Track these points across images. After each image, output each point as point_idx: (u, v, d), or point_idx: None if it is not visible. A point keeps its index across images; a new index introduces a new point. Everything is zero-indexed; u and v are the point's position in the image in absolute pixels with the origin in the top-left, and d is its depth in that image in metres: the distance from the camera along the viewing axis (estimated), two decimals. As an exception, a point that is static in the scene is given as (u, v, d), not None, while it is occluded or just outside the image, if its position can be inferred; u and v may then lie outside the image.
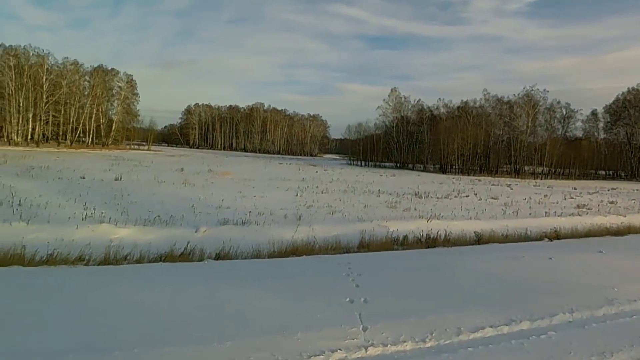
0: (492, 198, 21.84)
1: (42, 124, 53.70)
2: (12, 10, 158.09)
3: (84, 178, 17.85)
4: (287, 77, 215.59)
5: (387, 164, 69.79)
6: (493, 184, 34.03)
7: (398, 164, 68.56)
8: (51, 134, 57.38)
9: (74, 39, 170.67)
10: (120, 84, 67.67)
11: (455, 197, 21.54)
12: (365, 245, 9.95)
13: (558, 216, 16.28)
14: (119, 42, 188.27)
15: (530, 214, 16.52)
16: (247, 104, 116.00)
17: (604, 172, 64.48)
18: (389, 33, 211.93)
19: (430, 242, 10.38)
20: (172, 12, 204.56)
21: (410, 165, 66.95)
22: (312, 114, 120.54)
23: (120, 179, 18.46)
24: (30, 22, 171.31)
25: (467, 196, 22.29)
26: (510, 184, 35.10)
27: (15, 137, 50.35)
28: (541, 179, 50.86)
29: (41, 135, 54.47)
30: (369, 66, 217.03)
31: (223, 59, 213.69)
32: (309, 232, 11.23)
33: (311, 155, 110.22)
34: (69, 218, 10.09)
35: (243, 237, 10.19)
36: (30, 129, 52.28)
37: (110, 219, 10.43)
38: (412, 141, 68.13)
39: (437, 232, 10.94)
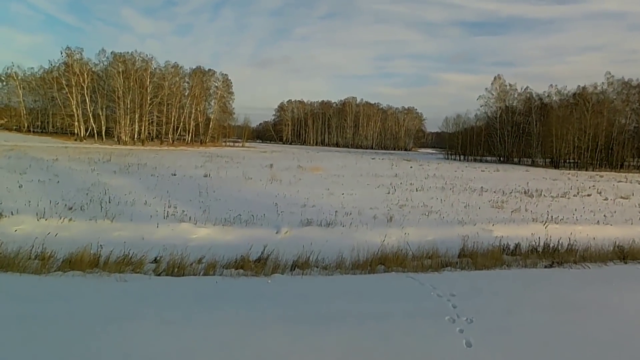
0: (622, 198, 18.48)
1: (147, 123, 58.20)
2: (124, 22, 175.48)
3: (174, 175, 18.25)
4: (380, 69, 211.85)
5: (489, 159, 64.86)
6: (620, 181, 29.40)
7: (501, 158, 63.24)
8: (156, 133, 61.97)
9: (178, 44, 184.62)
10: (216, 84, 71.11)
11: (574, 196, 18.57)
12: (468, 255, 8.37)
13: None
14: (218, 45, 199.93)
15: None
16: (339, 99, 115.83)
17: None
18: (489, 18, 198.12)
19: (549, 253, 8.47)
20: (267, 12, 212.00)
21: (515, 160, 61.32)
22: (406, 106, 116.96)
23: (209, 175, 18.60)
24: (140, 31, 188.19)
25: (589, 195, 19.13)
26: (640, 181, 30.10)
27: (124, 136, 55.17)
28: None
29: (146, 134, 59.07)
30: (467, 54, 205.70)
31: (316, 54, 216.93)
32: (400, 236, 9.92)
33: (405, 150, 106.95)
34: (151, 216, 9.88)
35: (326, 241, 9.21)
36: (137, 129, 56.94)
37: (191, 217, 10.07)
38: (518, 133, 62.32)
39: (559, 241, 8.95)
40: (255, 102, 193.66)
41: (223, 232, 9.36)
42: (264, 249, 7.50)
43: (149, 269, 6.78)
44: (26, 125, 61.83)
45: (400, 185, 20.01)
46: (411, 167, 36.19)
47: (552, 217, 12.23)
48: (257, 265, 7.18)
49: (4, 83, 64.63)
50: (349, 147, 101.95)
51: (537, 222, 11.54)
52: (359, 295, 5.16)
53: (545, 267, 7.08)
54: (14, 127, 62.01)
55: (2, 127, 61.40)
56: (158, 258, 7.32)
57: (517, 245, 8.71)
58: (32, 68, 67.87)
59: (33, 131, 61.21)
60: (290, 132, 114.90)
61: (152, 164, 24.13)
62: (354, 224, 10.46)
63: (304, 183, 18.36)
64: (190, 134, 65.71)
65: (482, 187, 20.26)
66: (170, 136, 62.17)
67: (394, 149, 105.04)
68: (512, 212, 13.28)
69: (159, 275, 6.40)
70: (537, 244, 8.78)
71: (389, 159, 49.72)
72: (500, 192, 18.48)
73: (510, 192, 18.59)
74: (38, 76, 63.20)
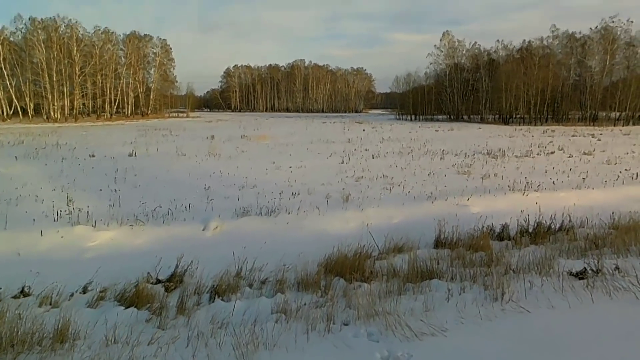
0: (585, 154, 17.58)
1: (78, 97, 52.44)
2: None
3: (93, 156, 15.40)
4: (329, 30, 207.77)
5: (439, 117, 64.50)
6: (573, 135, 29.06)
7: (452, 116, 62.96)
8: (92, 107, 56.47)
9: (115, 10, 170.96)
10: (154, 50, 65.45)
11: (537, 155, 17.48)
12: (447, 244, 6.65)
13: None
14: (159, 10, 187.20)
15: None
16: (287, 62, 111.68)
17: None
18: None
19: (542, 233, 6.89)
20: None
21: (465, 117, 61.18)
22: (355, 67, 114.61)
23: (134, 154, 15.90)
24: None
25: (552, 153, 18.14)
26: (593, 134, 29.95)
27: (54, 113, 49.35)
28: (622, 125, 44.29)
29: (79, 110, 53.44)
30: (415, 12, 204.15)
31: (263, 17, 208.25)
32: (361, 220, 8.10)
33: (356, 112, 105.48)
34: (34, 220, 7.41)
35: (268, 235, 7.23)
36: (67, 104, 51.06)
37: (94, 215, 7.71)
38: (467, 90, 61.98)
39: (552, 216, 7.39)
40: (201, 69, 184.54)
41: (132, 235, 7.12)
42: (178, 263, 5.37)
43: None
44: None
45: (355, 152, 18.18)
46: (364, 130, 34.50)
47: (527, 182, 10.79)
48: (168, 286, 5.10)
49: None
50: (299, 112, 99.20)
51: (514, 190, 10.05)
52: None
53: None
54: None
55: None
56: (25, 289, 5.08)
57: (505, 227, 7.06)
58: None
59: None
60: (238, 99, 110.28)
61: (74, 143, 20.86)
62: (303, 208, 8.49)
63: (247, 156, 16.09)
64: (129, 107, 60.43)
65: (441, 150, 18.80)
66: (107, 110, 56.83)
67: (345, 112, 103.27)
68: (482, 178, 11.77)
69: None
70: (526, 222, 7.17)
71: (340, 122, 47.86)
72: (462, 155, 17.08)
73: (473, 154, 17.22)
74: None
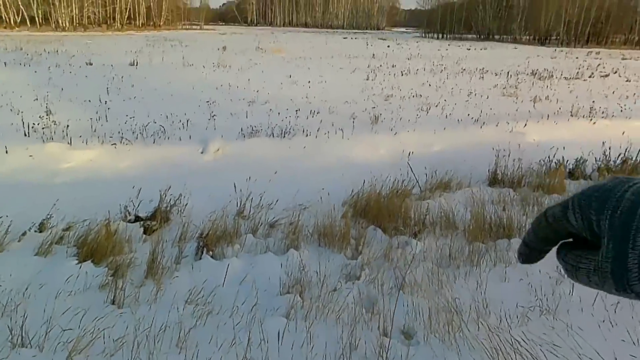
0: (645, 77, 15.38)
1: (87, 5, 49.35)
2: None
3: (90, 64, 13.80)
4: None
5: (468, 36, 60.11)
6: (623, 58, 26.15)
7: (481, 36, 58.56)
8: (103, 16, 53.39)
9: None
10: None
11: (590, 77, 15.32)
12: (506, 181, 5.23)
13: None
14: None
15: None
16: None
17: None
18: None
19: (625, 173, 5.40)
20: None
21: (497, 37, 56.79)
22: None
23: (136, 64, 14.22)
24: None
25: (606, 75, 15.93)
26: (643, 57, 27.00)
27: (61, 22, 46.74)
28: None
29: (89, 19, 50.58)
30: None
31: None
32: (394, 147, 6.65)
33: (378, 29, 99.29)
34: (3, 133, 6.14)
35: (281, 163, 5.86)
36: (76, 12, 48.22)
37: (72, 131, 6.41)
38: (500, 7, 56.93)
39: (627, 149, 5.83)
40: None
41: (115, 156, 5.83)
42: (163, 196, 4.09)
43: None
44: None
45: (381, 68, 16.21)
46: (389, 46, 31.73)
47: (593, 109, 9.05)
48: (148, 226, 3.87)
49: None
50: (318, 28, 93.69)
51: (576, 116, 8.37)
52: None
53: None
54: None
55: None
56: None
57: (579, 162, 5.56)
58: None
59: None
60: (254, 13, 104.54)
61: (75, 51, 19.12)
62: (324, 129, 7.04)
63: (260, 69, 14.33)
64: (140, 17, 57.17)
65: (478, 69, 16.70)
66: (117, 20, 53.80)
67: (366, 29, 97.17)
68: (532, 101, 10.02)
69: None
70: (607, 155, 5.64)
71: (362, 38, 44.48)
72: (503, 75, 15.04)
73: (516, 75, 15.16)
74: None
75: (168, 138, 6.36)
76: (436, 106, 9.22)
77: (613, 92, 11.83)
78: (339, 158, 6.18)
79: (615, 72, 16.91)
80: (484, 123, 7.67)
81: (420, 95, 10.43)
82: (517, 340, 1.76)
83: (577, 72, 16.34)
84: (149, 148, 6.04)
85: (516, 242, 3.06)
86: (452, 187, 5.09)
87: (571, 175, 5.44)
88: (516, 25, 54.07)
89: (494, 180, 5.30)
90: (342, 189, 4.68)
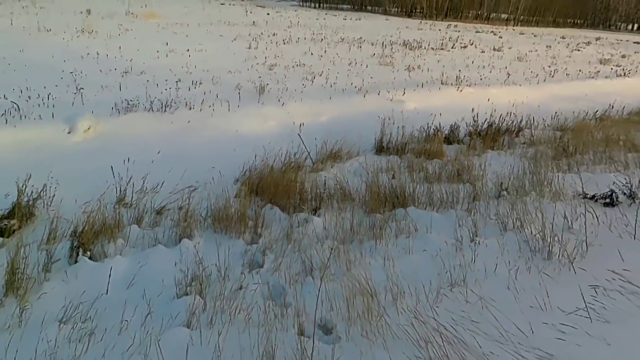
0: (495, 50, 17.24)
1: None
2: None
3: None
4: None
5: (343, 7, 61.50)
6: (477, 32, 28.95)
7: (355, 7, 60.49)
8: None
9: None
10: None
11: (452, 48, 16.71)
12: (391, 149, 5.48)
13: (607, 78, 12.29)
14: None
15: (567, 74, 12.30)
16: None
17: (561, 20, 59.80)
18: None
19: (492, 135, 6.01)
20: None
21: (368, 8, 59.16)
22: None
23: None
24: None
25: (464, 47, 17.51)
26: (493, 32, 30.23)
27: None
28: (512, 25, 45.93)
29: None
30: None
31: None
32: (283, 118, 6.57)
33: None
34: None
35: (164, 140, 5.43)
36: None
37: None
38: (371, -21, 59.22)
39: (491, 115, 6.51)
40: None
41: (-48, 140, 4.83)
42: (23, 187, 3.48)
43: None
44: None
45: (262, 36, 15.78)
46: (268, 14, 31.05)
47: (459, 77, 9.87)
48: (6, 227, 3.29)
49: None
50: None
51: (446, 85, 9.07)
52: None
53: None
54: None
55: None
56: None
57: (454, 128, 6.03)
58: None
59: None
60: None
61: None
62: (208, 102, 6.65)
63: (132, 35, 12.99)
64: None
65: (356, 38, 17.18)
66: None
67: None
68: (407, 71, 10.61)
69: None
70: (475, 121, 6.19)
71: (241, 5, 42.84)
72: (378, 45, 15.66)
73: (390, 45, 15.89)
74: None
75: (25, 117, 5.45)
76: (320, 75, 9.27)
77: (472, 62, 13.05)
78: (227, 132, 5.91)
79: (472, 44, 18.67)
80: (366, 92, 7.92)
81: (304, 65, 10.39)
82: (442, 325, 1.81)
83: (441, 44, 17.70)
84: (1, 130, 5.11)
85: (412, 211, 3.20)
86: (343, 157, 5.19)
87: (447, 139, 5.89)
88: (384, -1, 56.76)
89: (380, 149, 5.52)
90: (233, 165, 4.48)
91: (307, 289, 2.25)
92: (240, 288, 2.30)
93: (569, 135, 6.14)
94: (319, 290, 2.14)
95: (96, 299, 2.36)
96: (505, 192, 3.37)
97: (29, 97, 6.18)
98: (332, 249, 2.54)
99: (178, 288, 2.36)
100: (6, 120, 5.30)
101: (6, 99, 5.96)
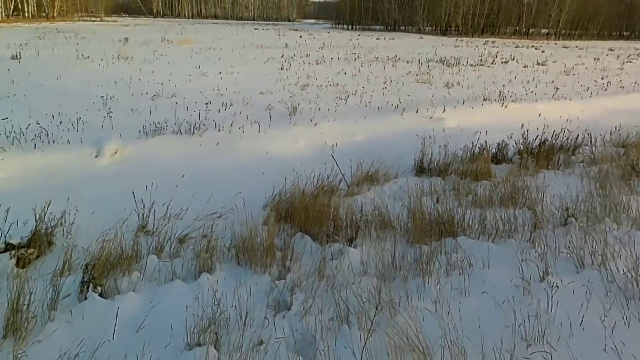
0: (539, 64, 16.51)
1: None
2: None
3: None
4: None
5: (376, 27, 61.84)
6: (516, 47, 28.16)
7: (388, 27, 60.58)
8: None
9: None
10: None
11: (492, 64, 16.12)
12: (432, 170, 5.03)
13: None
14: None
15: (622, 87, 11.50)
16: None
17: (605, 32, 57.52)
18: None
19: (544, 153, 5.45)
20: None
21: (402, 28, 59.11)
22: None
23: (19, 56, 12.37)
24: None
25: (506, 62, 16.88)
26: (534, 46, 29.31)
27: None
28: (554, 39, 44.54)
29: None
30: None
31: None
32: (315, 139, 6.24)
33: (289, 21, 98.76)
34: None
35: (190, 163, 5.19)
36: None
37: None
38: (403, 0, 59.39)
39: (543, 132, 5.95)
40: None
41: (-19, 165, 4.76)
42: (42, 215, 3.27)
43: None
44: None
45: (295, 57, 15.75)
46: (301, 36, 31.38)
47: (502, 93, 9.34)
48: (23, 256, 3.06)
49: None
50: (228, 19, 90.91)
51: (489, 101, 8.56)
52: None
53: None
54: None
55: None
56: None
57: (501, 147, 5.53)
58: None
59: None
60: (160, 4, 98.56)
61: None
62: (238, 123, 6.43)
63: (166, 60, 13.19)
64: (29, 7, 50.76)
65: (391, 57, 16.89)
66: (1, 10, 47.40)
67: (277, 20, 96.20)
68: (446, 87, 10.16)
69: None
70: (525, 138, 5.66)
71: (274, 29, 43.70)
72: (415, 62, 15.30)
73: (427, 62, 15.49)
74: None
75: (54, 141, 5.36)
76: (354, 94, 8.96)
77: (515, 77, 12.45)
78: (256, 153, 5.64)
79: (513, 59, 18.02)
80: (403, 110, 7.52)
81: (337, 84, 10.14)
82: None
83: (480, 59, 17.15)
84: (29, 154, 5.03)
85: (463, 241, 2.75)
86: (380, 180, 4.78)
87: (494, 159, 5.39)
88: (419, 17, 56.48)
89: (421, 170, 5.09)
90: (261, 189, 4.17)
91: (342, 342, 1.85)
92: (261, 343, 1.92)
93: (633, 152, 5.52)
94: (356, 343, 1.74)
95: (99, 347, 2.04)
96: (573, 219, 2.88)
97: (60, 122, 6.14)
98: (371, 287, 2.13)
99: (190, 337, 2.01)
100: (35, 145, 5.21)
101: (38, 124, 5.92)
